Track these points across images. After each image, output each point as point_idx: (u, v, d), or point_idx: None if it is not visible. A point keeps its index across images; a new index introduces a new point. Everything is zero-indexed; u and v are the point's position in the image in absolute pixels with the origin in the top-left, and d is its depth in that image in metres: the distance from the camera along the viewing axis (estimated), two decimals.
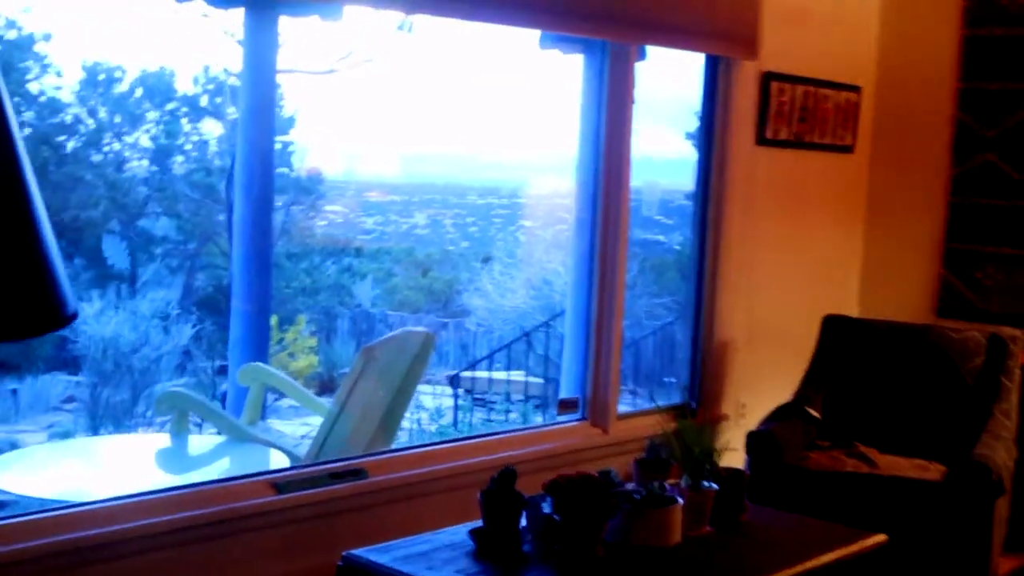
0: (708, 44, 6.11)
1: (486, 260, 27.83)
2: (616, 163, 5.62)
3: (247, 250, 6.47)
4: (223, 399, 8.16)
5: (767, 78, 6.44)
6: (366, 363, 5.55)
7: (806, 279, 6.97)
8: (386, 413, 5.73)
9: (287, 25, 7.19)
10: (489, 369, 21.52)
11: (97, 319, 10.45)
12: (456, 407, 12.32)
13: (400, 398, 5.82)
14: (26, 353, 15.32)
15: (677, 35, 5.90)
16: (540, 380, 16.50)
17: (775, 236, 6.69)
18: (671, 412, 6.05)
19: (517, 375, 18.76)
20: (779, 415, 6.01)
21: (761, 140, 6.46)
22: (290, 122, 19.79)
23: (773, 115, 6.52)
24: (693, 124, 17.53)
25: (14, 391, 14.67)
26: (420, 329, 5.60)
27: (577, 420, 5.88)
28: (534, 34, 8.72)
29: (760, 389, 6.59)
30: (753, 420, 6.28)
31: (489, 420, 13.04)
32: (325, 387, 17.91)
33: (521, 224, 58.11)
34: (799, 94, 6.68)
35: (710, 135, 6.49)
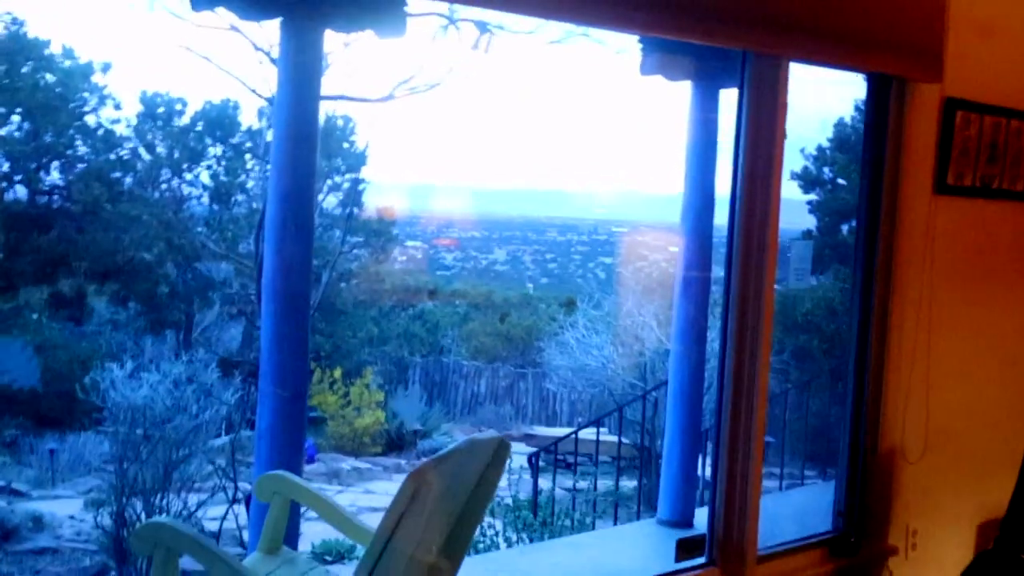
0: (878, 59, 4.60)
1: (568, 304, 26.39)
2: (760, 208, 4.08)
3: (278, 319, 5.05)
4: (247, 503, 6.75)
5: (950, 106, 4.89)
6: (417, 490, 4.03)
7: (1000, 369, 5.37)
8: (448, 543, 4.20)
9: (334, 43, 5.79)
10: (569, 424, 20.06)
11: (126, 382, 9.15)
12: (534, 471, 10.82)
13: (465, 525, 4.29)
14: (69, 408, 14.11)
15: (839, 47, 4.39)
16: (627, 442, 14.98)
17: (959, 312, 5.09)
18: (824, 547, 4.52)
19: (601, 435, 17.24)
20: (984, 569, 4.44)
21: (941, 187, 4.92)
22: (361, 158, 18.61)
23: (957, 154, 4.99)
24: (798, 163, 15.90)
25: (52, 451, 13.52)
26: (488, 436, 3.98)
27: (703, 567, 4.34)
28: (634, 58, 7.41)
29: (937, 512, 5.03)
30: (928, 553, 4.73)
31: (575, 490, 11.54)
32: (392, 445, 16.55)
33: (601, 261, 56.64)
34: (987, 127, 5.13)
35: (875, 179, 4.95)
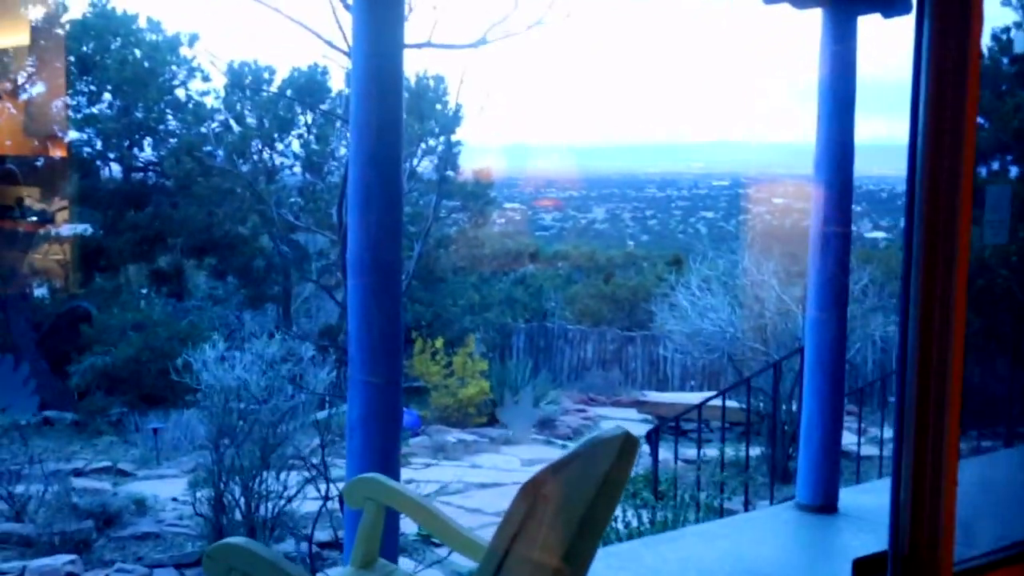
0: None
1: (675, 263, 25.55)
2: (950, 149, 3.31)
3: (365, 299, 4.46)
4: (340, 502, 6.21)
5: None
6: (533, 505, 3.39)
7: None
8: (571, 550, 3.57)
9: None
10: (681, 390, 19.30)
11: (218, 364, 8.67)
12: (654, 448, 10.11)
13: (590, 530, 3.66)
14: (171, 386, 13.82)
15: None
16: (740, 406, 14.18)
17: None
18: None
19: (716, 398, 16.45)
20: None
21: None
22: (455, 120, 17.99)
23: None
24: (878, 102, 14.90)
25: (156, 430, 13.26)
26: (612, 432, 3.26)
27: None
28: None
29: None
30: None
31: (700, 463, 10.83)
32: (496, 419, 16.01)
33: (702, 215, 55.45)
34: None
35: None
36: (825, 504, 6.30)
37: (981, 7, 3.33)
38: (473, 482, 11.88)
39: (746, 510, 8.44)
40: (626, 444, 3.70)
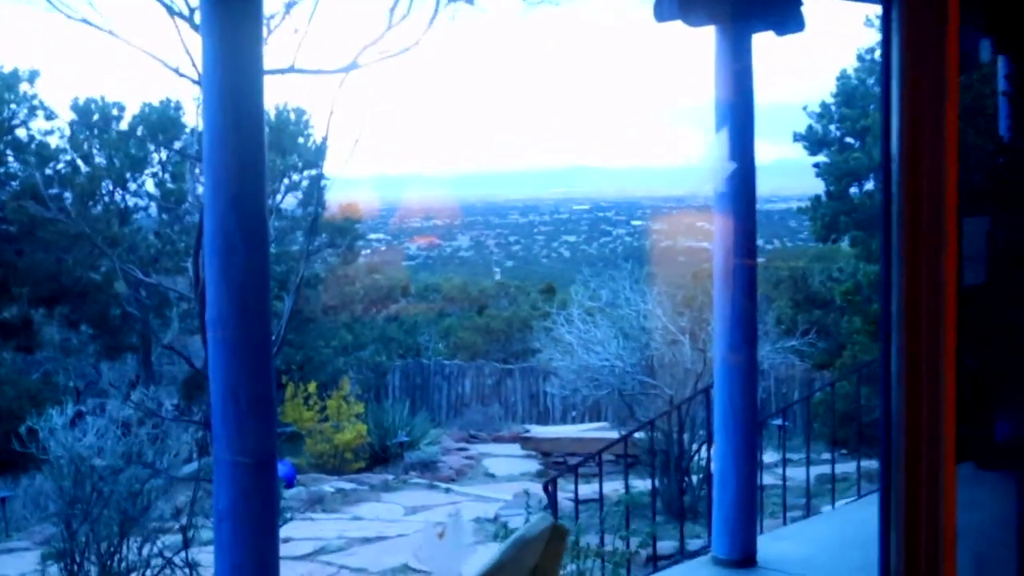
0: None
1: (548, 291, 25.15)
2: (929, 174, 2.80)
3: (229, 364, 3.82)
4: None
5: None
6: None
7: None
8: None
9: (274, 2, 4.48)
10: (564, 422, 18.84)
11: (67, 430, 7.82)
12: (552, 497, 9.39)
13: None
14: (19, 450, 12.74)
15: None
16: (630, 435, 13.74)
17: None
18: None
19: (601, 430, 16.02)
20: None
21: None
22: (319, 153, 17.21)
23: None
24: (801, 122, 14.56)
25: (2, 500, 12.23)
26: (537, 526, 2.57)
27: None
28: (645, 6, 6.18)
29: None
30: None
31: (592, 501, 10.31)
32: (377, 459, 15.29)
33: (564, 239, 55.59)
34: None
35: None
36: (744, 557, 5.83)
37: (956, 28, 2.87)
38: (356, 537, 11.17)
39: (655, 563, 7.88)
40: (554, 537, 3.12)
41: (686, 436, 10.70)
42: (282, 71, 4.43)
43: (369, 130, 5.24)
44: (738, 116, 5.88)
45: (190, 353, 13.70)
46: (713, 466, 6.01)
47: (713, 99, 5.96)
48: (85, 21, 4.73)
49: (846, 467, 11.00)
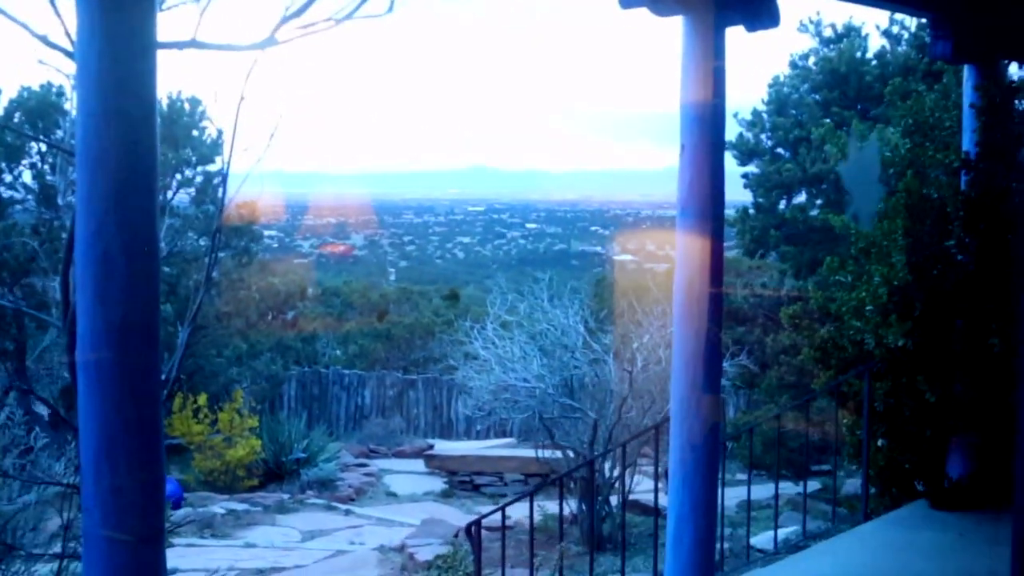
0: None
1: (452, 297, 24.37)
2: None
3: (104, 406, 2.91)
4: None
5: None
6: None
7: None
8: None
9: None
10: (469, 436, 18.03)
11: None
12: (476, 542, 8.40)
13: None
14: None
15: None
16: (532, 452, 13.03)
17: None
18: None
19: (508, 447, 15.25)
20: None
21: None
22: (215, 147, 16.19)
23: None
24: (731, 130, 13.98)
25: None
26: None
27: None
28: None
29: None
30: None
31: (494, 529, 9.53)
32: (272, 476, 14.30)
33: (459, 240, 55.08)
34: None
35: None
36: None
37: None
38: (248, 567, 10.21)
39: None
40: None
41: (607, 464, 10.04)
42: (179, 45, 3.56)
43: (283, 121, 4.38)
44: (707, 120, 5.15)
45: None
46: (668, 511, 5.26)
47: (679, 100, 5.22)
48: None
49: (765, 491, 10.43)
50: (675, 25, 5.17)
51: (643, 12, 5.06)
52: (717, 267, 5.11)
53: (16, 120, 14.04)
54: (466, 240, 60.38)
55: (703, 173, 5.13)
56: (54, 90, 14.26)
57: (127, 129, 3.15)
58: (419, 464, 15.35)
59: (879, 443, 7.61)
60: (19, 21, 3.33)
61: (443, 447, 15.69)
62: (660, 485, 12.31)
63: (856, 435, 7.98)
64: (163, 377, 3.90)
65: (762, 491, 10.52)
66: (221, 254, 15.43)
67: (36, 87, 14.23)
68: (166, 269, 13.47)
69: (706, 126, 5.16)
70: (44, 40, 3.40)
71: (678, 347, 5.24)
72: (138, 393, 3.22)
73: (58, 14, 3.41)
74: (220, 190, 7.33)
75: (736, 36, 5.34)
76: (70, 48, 3.48)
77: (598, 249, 53.01)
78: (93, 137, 3.14)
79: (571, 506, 10.15)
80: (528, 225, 61.67)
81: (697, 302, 5.11)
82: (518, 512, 9.96)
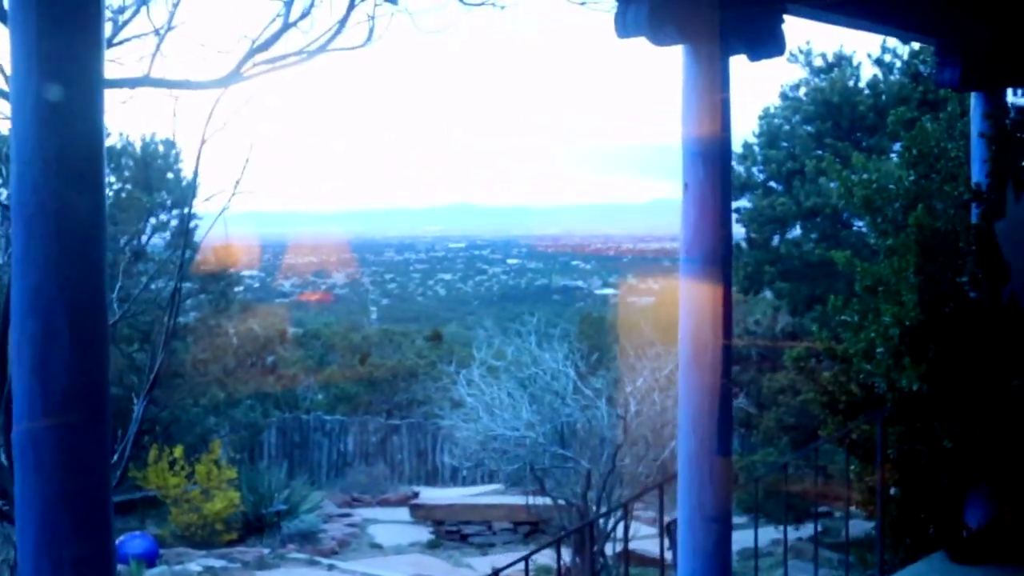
0: None
1: (435, 338, 23.91)
2: None
3: (44, 516, 2.35)
4: None
5: None
6: None
7: None
8: None
9: None
10: (455, 482, 17.54)
11: None
12: None
13: None
14: None
15: None
16: (524, 500, 12.58)
17: None
18: None
19: (495, 494, 14.79)
20: None
21: None
22: (190, 189, 15.69)
23: None
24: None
25: None
26: None
27: None
28: (603, 17, 5.05)
29: None
30: None
31: None
32: (251, 528, 13.77)
33: (440, 277, 54.87)
34: None
35: None
36: None
37: None
38: None
39: None
40: None
41: (596, 507, 9.62)
42: (130, 83, 3.14)
43: (254, 161, 3.99)
44: (713, 156, 4.78)
45: None
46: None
47: (680, 135, 4.84)
48: None
49: (762, 535, 10.04)
50: (672, 55, 4.81)
51: (641, 42, 4.70)
52: (727, 316, 4.72)
53: None
54: (447, 277, 60.04)
55: (709, 214, 4.74)
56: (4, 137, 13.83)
57: (71, 175, 2.75)
58: (404, 513, 14.86)
59: (891, 491, 7.22)
60: None
61: (429, 495, 15.20)
62: (652, 532, 11.87)
63: (865, 482, 7.60)
64: (116, 456, 3.47)
65: (760, 536, 10.11)
66: (201, 297, 15.00)
67: None
68: (142, 318, 12.99)
69: (711, 163, 4.78)
70: None
71: (685, 403, 4.84)
72: (82, 483, 2.80)
73: None
74: (181, 249, 6.93)
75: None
76: (3, 86, 3.08)
77: (580, 284, 52.71)
78: (29, 189, 2.73)
79: (564, 556, 9.70)
80: (509, 261, 61.35)
81: (705, 354, 4.71)
82: (504, 560, 9.50)
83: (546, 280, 55.24)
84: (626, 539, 6.58)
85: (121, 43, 3.49)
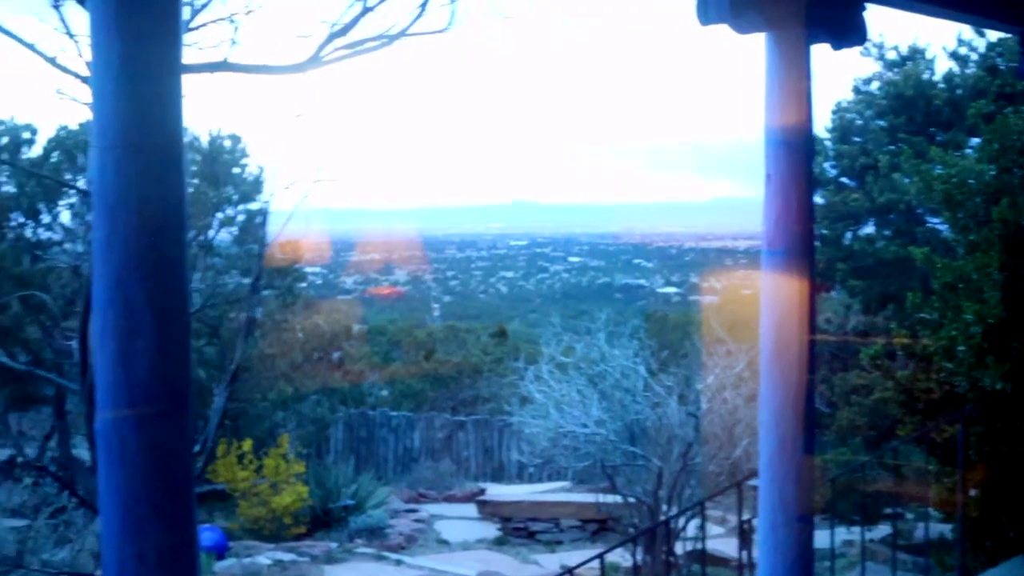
0: None
1: (500, 335, 23.87)
2: None
3: (127, 505, 2.29)
4: None
5: None
6: None
7: None
8: None
9: None
10: (521, 479, 17.48)
11: None
12: None
13: None
14: None
15: None
16: (593, 497, 12.50)
17: None
18: None
19: (562, 491, 14.72)
20: None
21: None
22: (257, 185, 15.86)
23: None
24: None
25: None
26: None
27: None
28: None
29: None
30: None
31: None
32: (319, 523, 13.81)
33: (502, 275, 54.90)
34: None
35: None
36: None
37: None
38: None
39: None
40: None
41: (666, 507, 9.50)
42: (209, 67, 3.10)
43: (321, 156, 3.94)
44: (797, 146, 4.67)
45: None
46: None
47: (763, 125, 4.74)
48: None
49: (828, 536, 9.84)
50: (743, 47, 4.70)
51: (723, 29, 4.60)
52: (811, 311, 4.61)
53: (53, 159, 13.78)
54: (509, 275, 60.01)
55: (792, 206, 4.64)
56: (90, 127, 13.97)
57: (151, 164, 2.71)
58: (470, 509, 14.82)
59: (971, 493, 7.04)
60: (25, 42, 2.90)
61: (495, 492, 15.16)
62: (721, 531, 11.72)
63: (943, 483, 7.43)
64: (197, 447, 3.43)
65: (827, 537, 9.93)
66: (267, 292, 15.05)
67: (74, 125, 13.99)
68: (208, 312, 13.07)
69: (794, 153, 4.67)
70: (54, 63, 2.97)
71: (766, 400, 4.73)
72: (165, 474, 2.76)
73: (71, 34, 2.98)
74: (251, 224, 6.91)
75: None
76: (86, 73, 3.05)
77: (642, 282, 52.43)
78: (111, 175, 2.69)
79: (634, 555, 9.59)
80: (571, 259, 61.15)
81: (788, 349, 4.60)
82: (575, 559, 9.42)
83: (608, 278, 55.00)
84: (703, 538, 6.48)
85: (197, 28, 3.46)
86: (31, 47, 2.72)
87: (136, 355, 2.68)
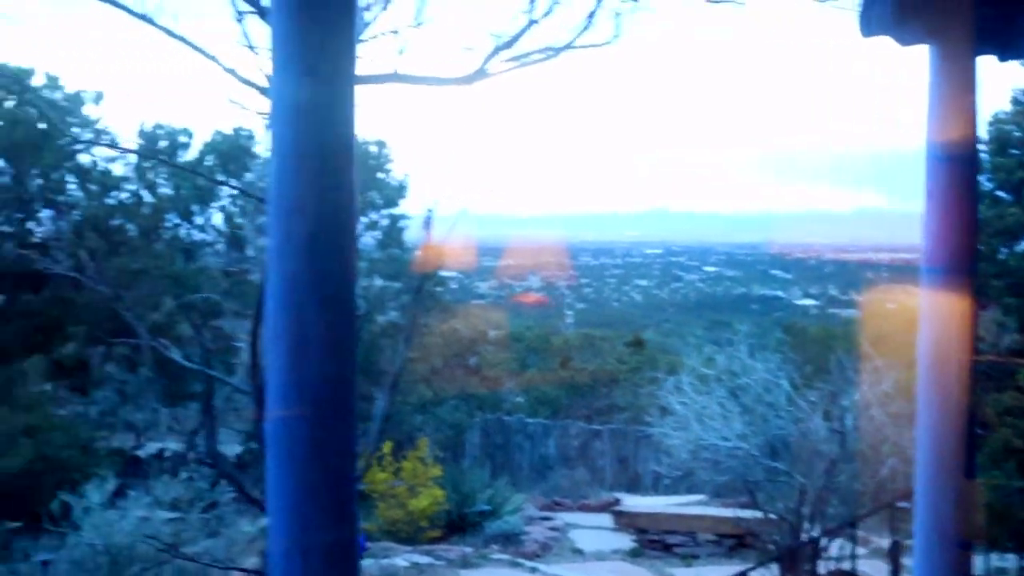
0: None
1: (636, 344, 23.79)
2: None
3: (296, 506, 2.35)
4: None
5: None
6: None
7: None
8: None
9: None
10: (656, 491, 17.37)
11: (102, 511, 6.59)
12: None
13: None
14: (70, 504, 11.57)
15: None
16: (730, 512, 12.33)
17: None
18: None
19: (700, 504, 14.55)
20: None
21: None
22: (400, 190, 16.14)
23: None
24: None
25: (45, 563, 11.07)
26: None
27: None
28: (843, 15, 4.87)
29: None
30: None
31: None
32: (454, 527, 13.93)
33: (636, 283, 54.50)
34: None
35: None
36: None
37: None
38: None
39: None
40: None
41: (809, 526, 9.32)
42: (380, 78, 3.16)
43: (481, 163, 3.98)
44: (962, 162, 4.52)
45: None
46: None
47: (925, 139, 4.60)
48: (146, 19, 3.56)
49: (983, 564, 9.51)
50: (913, 56, 4.57)
51: (886, 40, 4.49)
52: (972, 331, 4.47)
53: (208, 163, 14.21)
54: (643, 283, 59.72)
55: (956, 224, 4.49)
56: (244, 133, 14.41)
57: (325, 171, 2.77)
58: (605, 519, 14.75)
59: None
60: (208, 54, 3.01)
61: (631, 502, 15.07)
62: (863, 552, 11.43)
63: None
64: (358, 447, 3.51)
65: (980, 563, 9.60)
66: (406, 297, 15.26)
67: (229, 131, 14.40)
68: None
69: (959, 169, 4.53)
70: (234, 74, 3.07)
71: (924, 419, 4.60)
72: (333, 458, 2.82)
73: (251, 47, 3.08)
74: (394, 229, 7.02)
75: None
76: (263, 84, 3.14)
77: (779, 293, 51.61)
78: (289, 180, 2.76)
79: (774, 573, 9.43)
80: (706, 268, 60.55)
81: (948, 369, 4.47)
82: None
83: (744, 288, 54.31)
84: (853, 558, 6.33)
85: (366, 40, 3.54)
86: (213, 59, 2.84)
87: (308, 355, 2.74)
